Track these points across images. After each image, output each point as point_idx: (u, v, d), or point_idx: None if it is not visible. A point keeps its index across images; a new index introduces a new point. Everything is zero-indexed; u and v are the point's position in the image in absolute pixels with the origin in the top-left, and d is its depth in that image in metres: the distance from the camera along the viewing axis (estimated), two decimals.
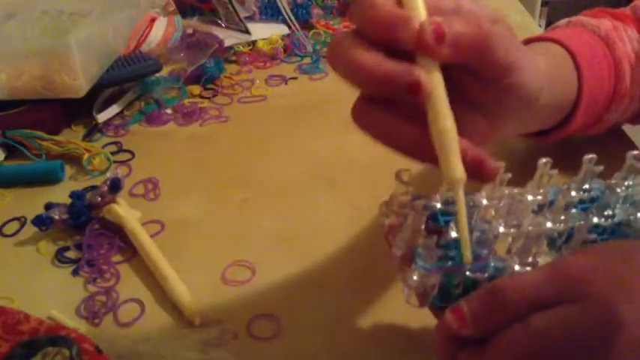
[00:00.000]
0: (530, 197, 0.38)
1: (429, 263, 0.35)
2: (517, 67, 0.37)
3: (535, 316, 0.32)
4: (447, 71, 0.35)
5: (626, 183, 0.40)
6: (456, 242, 0.36)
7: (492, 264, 0.36)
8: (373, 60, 0.34)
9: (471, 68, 0.36)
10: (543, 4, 2.32)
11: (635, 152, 0.40)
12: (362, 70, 0.34)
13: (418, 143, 0.36)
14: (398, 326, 0.48)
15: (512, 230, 0.37)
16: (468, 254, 0.36)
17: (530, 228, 0.37)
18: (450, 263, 0.36)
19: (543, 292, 0.33)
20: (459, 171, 0.34)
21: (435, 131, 0.35)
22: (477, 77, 0.37)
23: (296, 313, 0.49)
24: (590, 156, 0.40)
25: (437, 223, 0.39)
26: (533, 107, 0.41)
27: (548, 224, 0.37)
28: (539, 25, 2.11)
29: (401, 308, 0.49)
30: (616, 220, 0.38)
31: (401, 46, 0.34)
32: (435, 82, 0.34)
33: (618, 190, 0.39)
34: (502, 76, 0.37)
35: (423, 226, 0.38)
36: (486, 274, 0.35)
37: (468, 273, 0.35)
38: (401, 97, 0.34)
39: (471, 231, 0.36)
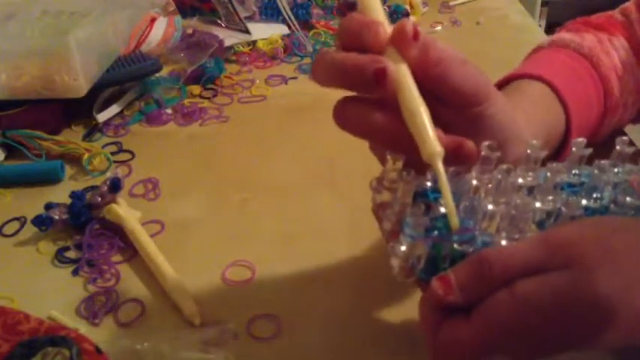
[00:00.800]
0: (520, 180, 0.38)
1: (417, 232, 0.35)
2: (483, 98, 0.40)
3: (520, 282, 0.32)
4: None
5: (615, 170, 0.39)
6: (445, 217, 0.36)
7: (480, 238, 0.36)
8: (344, 55, 0.37)
9: (437, 95, 0.39)
10: (543, 4, 2.32)
11: (625, 137, 0.40)
12: (334, 63, 0.37)
13: (396, 134, 0.38)
14: (398, 326, 0.48)
15: (501, 205, 0.37)
16: (455, 221, 0.36)
17: (518, 201, 0.36)
18: (436, 233, 0.36)
19: (530, 260, 0.33)
20: (434, 145, 0.36)
21: (407, 113, 0.37)
22: (446, 104, 0.40)
23: (296, 313, 0.49)
24: (580, 140, 0.40)
25: (426, 199, 0.39)
26: (515, 143, 0.42)
27: (537, 204, 0.37)
28: (539, 25, 2.12)
29: (401, 308, 0.49)
30: (604, 202, 0.38)
31: (371, 47, 0.37)
32: (401, 72, 0.37)
33: (606, 176, 0.39)
34: (466, 104, 0.40)
35: (411, 199, 0.38)
36: (472, 249, 0.35)
37: (455, 245, 0.35)
38: (372, 90, 0.37)
39: (457, 205, 0.37)
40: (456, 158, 0.38)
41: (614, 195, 0.38)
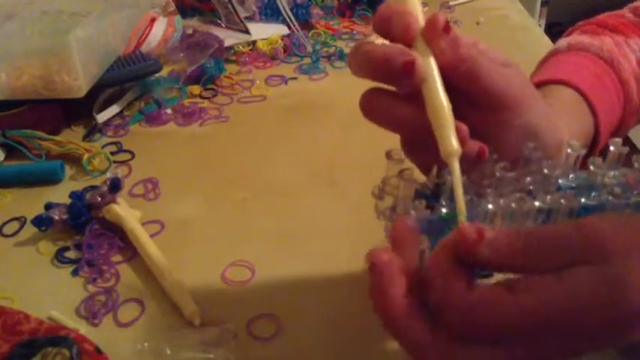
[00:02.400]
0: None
1: (421, 223, 0.35)
2: (512, 105, 0.39)
3: (566, 272, 0.31)
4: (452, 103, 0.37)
5: (611, 173, 0.39)
6: (446, 218, 0.36)
7: None
8: (374, 46, 0.37)
9: (466, 93, 0.39)
10: (543, 4, 2.31)
11: (618, 139, 0.40)
12: (365, 54, 0.38)
13: (419, 128, 0.37)
14: None
15: (501, 202, 0.36)
16: (463, 219, 0.35)
17: (516, 197, 0.36)
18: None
19: (569, 252, 0.31)
20: (453, 143, 0.36)
21: (430, 109, 0.37)
22: (474, 105, 0.39)
23: (296, 313, 0.49)
24: (574, 142, 0.40)
25: (428, 201, 0.39)
26: (554, 155, 0.42)
27: (536, 203, 0.37)
28: (539, 25, 2.11)
29: None
30: (602, 198, 0.38)
31: (401, 37, 0.37)
32: (429, 66, 0.37)
33: (604, 179, 0.39)
34: (494, 107, 0.39)
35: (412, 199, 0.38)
36: None
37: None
38: (400, 83, 0.37)
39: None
40: (472, 163, 0.38)
41: (611, 188, 0.38)
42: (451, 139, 0.36)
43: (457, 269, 0.32)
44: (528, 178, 0.39)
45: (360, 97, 0.40)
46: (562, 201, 0.37)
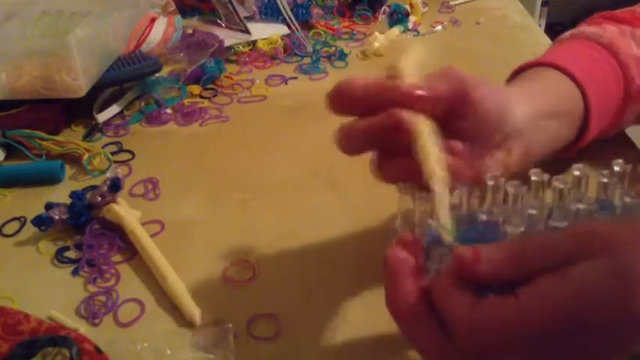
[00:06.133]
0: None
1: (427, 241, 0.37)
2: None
3: (571, 267, 0.30)
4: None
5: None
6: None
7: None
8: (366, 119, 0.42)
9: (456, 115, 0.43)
10: (543, 4, 2.32)
11: (620, 160, 0.40)
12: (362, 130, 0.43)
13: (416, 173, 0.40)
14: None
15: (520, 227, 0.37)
16: (447, 237, 0.37)
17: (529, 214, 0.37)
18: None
19: (566, 248, 0.31)
20: (435, 170, 0.39)
21: (415, 150, 0.40)
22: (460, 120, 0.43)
23: (296, 313, 0.49)
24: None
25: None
26: (526, 137, 0.47)
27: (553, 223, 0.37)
28: (539, 25, 2.11)
29: None
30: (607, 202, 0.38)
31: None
32: (419, 124, 0.41)
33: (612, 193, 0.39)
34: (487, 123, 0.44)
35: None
36: None
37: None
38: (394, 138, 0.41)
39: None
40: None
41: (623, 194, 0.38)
42: (434, 167, 0.39)
43: (459, 287, 0.32)
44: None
45: (370, 166, 0.44)
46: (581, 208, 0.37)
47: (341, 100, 0.43)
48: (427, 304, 0.34)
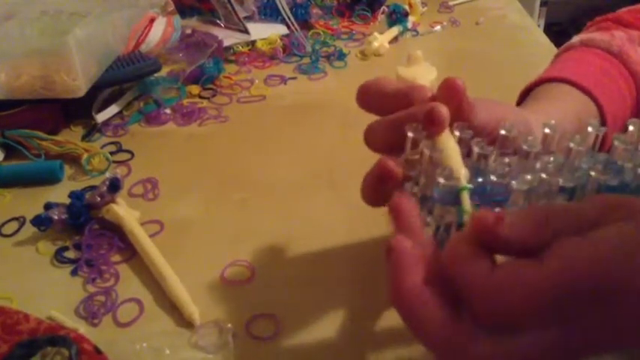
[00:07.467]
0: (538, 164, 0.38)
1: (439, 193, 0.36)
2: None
3: (595, 230, 0.29)
4: None
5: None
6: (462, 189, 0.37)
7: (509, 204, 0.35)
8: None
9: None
10: (543, 4, 2.32)
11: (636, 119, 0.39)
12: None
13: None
14: (398, 325, 0.47)
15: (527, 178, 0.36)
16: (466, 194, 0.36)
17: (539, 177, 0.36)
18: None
19: (591, 215, 0.30)
20: (461, 164, 0.39)
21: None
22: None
23: (295, 313, 0.49)
24: (593, 120, 0.40)
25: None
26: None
27: (560, 181, 0.36)
28: (538, 25, 2.11)
29: None
30: (626, 179, 0.37)
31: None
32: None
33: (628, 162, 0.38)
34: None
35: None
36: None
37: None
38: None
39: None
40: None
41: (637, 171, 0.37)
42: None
43: (478, 252, 0.31)
44: (552, 158, 0.38)
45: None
46: (592, 173, 0.35)
47: (370, 94, 0.44)
48: (435, 292, 0.31)
